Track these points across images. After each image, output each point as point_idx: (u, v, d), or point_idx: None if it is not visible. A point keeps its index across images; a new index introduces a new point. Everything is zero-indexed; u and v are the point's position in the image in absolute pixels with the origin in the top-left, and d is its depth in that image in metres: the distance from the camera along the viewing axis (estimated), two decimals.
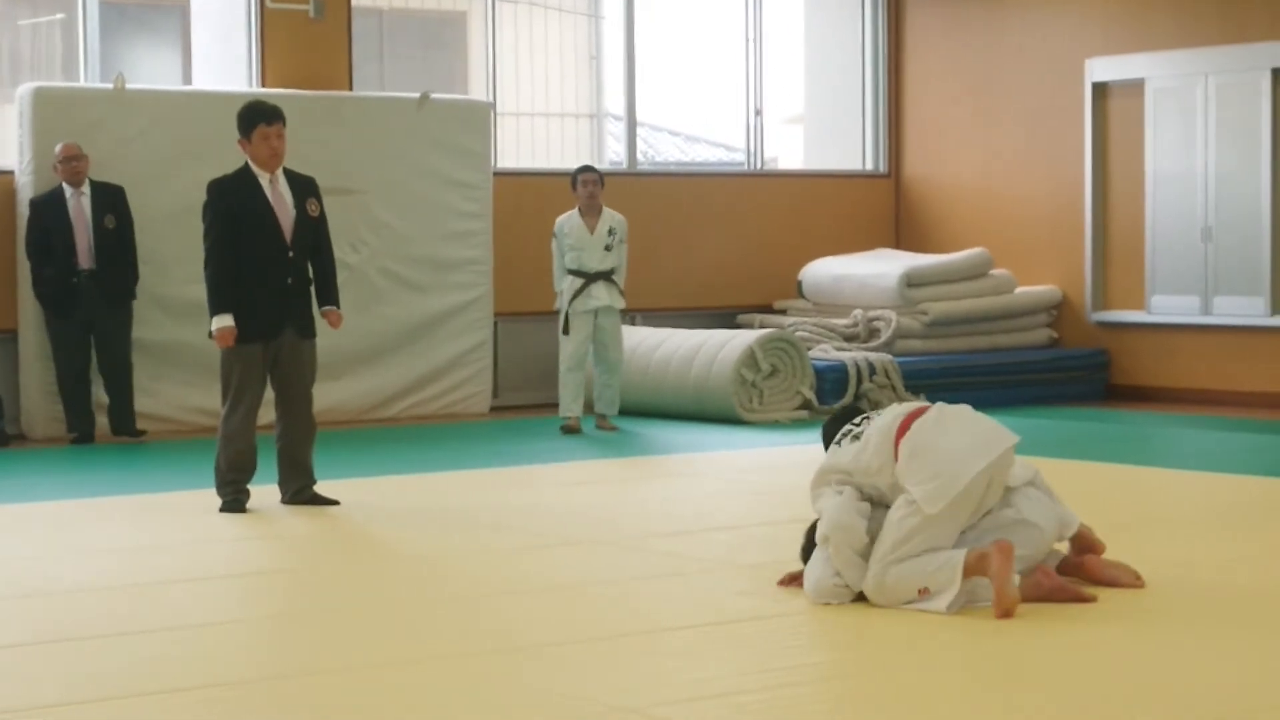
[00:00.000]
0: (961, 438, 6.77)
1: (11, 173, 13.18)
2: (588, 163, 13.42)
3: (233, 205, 9.27)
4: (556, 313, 13.40)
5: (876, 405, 14.33)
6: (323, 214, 9.52)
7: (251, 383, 9.35)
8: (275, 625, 6.75)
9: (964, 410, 6.96)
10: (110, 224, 12.76)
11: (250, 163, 9.32)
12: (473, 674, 5.85)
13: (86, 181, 12.74)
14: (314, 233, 9.46)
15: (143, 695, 5.58)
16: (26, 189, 12.99)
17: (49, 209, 12.68)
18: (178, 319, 13.19)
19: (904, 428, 6.78)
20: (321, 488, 9.58)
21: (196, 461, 11.52)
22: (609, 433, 13.17)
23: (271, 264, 9.27)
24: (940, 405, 6.96)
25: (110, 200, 12.81)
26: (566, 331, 13.19)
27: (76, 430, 12.73)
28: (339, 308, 9.65)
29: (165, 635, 6.46)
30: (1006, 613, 6.45)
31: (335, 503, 9.46)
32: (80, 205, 12.70)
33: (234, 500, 9.35)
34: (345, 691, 5.63)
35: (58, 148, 12.75)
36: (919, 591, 6.60)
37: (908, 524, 6.65)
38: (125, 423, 12.82)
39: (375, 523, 9.06)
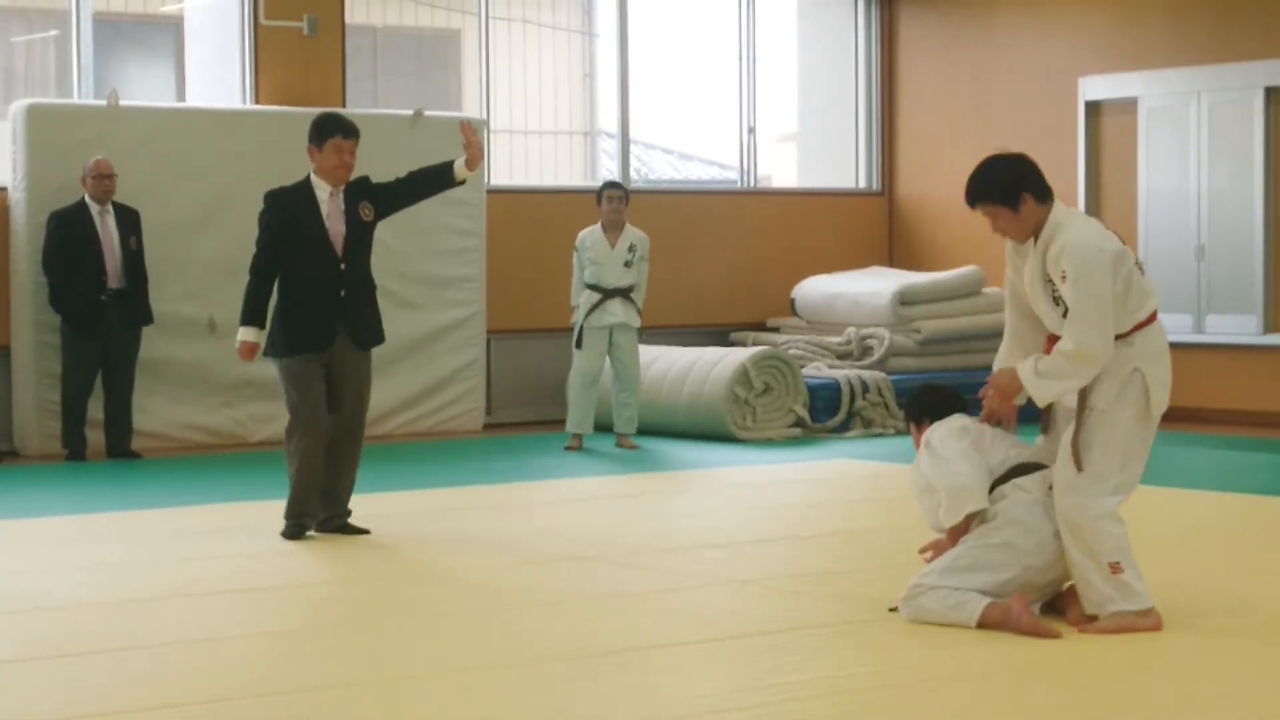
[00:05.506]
0: None
1: (5, 189, 13.16)
2: (615, 179, 13.44)
3: (285, 217, 9.05)
4: (571, 328, 13.30)
5: (869, 424, 14.36)
6: (376, 215, 9.25)
7: (307, 398, 9.00)
8: (270, 641, 6.74)
9: None
10: (134, 245, 12.75)
11: (314, 174, 9.11)
12: (467, 690, 5.85)
13: (111, 200, 12.74)
14: (370, 235, 9.22)
15: (137, 710, 5.57)
16: (20, 206, 12.98)
17: (75, 224, 12.61)
18: (172, 335, 13.19)
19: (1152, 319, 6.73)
20: None
21: (190, 478, 11.55)
22: (630, 451, 13.09)
23: (322, 278, 9.03)
24: None
25: (133, 221, 12.79)
26: (580, 345, 13.15)
27: (71, 447, 12.70)
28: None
29: (160, 651, 6.46)
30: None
31: (366, 532, 9.18)
32: (107, 223, 12.68)
33: (294, 528, 9.05)
34: (341, 707, 5.62)
35: (89, 162, 12.70)
36: (1111, 566, 6.47)
37: (1141, 436, 6.58)
38: (123, 444, 12.78)
39: (370, 540, 9.04)
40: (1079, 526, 6.51)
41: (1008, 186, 6.73)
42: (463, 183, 9.33)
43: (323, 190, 9.08)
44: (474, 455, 13.10)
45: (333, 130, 9.11)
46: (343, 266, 9.07)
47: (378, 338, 9.27)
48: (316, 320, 9.01)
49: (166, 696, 5.75)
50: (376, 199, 9.23)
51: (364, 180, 9.26)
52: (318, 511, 9.09)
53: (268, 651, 6.55)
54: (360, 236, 9.14)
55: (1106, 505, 6.51)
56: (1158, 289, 6.87)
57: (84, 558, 8.56)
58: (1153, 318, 6.72)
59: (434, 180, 9.37)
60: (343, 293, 9.07)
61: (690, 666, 6.13)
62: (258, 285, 9.08)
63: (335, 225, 9.07)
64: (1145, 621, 6.50)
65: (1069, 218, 6.73)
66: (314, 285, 9.03)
